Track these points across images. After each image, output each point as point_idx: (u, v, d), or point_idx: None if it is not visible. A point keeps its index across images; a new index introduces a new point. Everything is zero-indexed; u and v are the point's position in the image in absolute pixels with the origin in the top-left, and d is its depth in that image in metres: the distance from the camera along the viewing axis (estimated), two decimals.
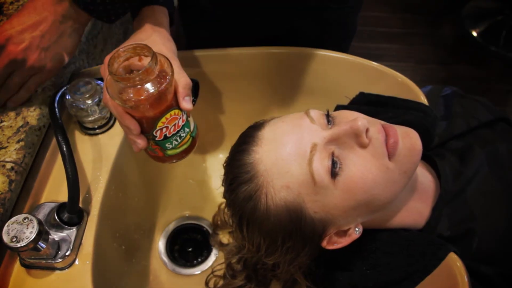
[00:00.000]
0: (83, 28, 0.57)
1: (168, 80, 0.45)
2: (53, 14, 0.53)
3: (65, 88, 0.62)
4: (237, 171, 0.48)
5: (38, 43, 0.53)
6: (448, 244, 0.47)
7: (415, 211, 0.52)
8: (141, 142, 0.49)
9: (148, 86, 0.44)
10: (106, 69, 0.44)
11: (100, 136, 0.65)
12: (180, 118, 0.50)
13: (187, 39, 0.95)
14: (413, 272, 0.47)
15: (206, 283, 0.69)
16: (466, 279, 0.45)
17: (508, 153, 0.58)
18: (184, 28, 0.93)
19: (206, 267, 0.75)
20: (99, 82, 0.62)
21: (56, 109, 0.59)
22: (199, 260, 0.76)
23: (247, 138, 0.49)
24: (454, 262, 0.46)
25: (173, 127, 0.49)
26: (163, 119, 0.48)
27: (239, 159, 0.48)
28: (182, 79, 0.49)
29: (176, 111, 0.49)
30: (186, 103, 0.48)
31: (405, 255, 0.49)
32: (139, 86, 0.43)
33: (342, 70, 0.73)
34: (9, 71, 0.55)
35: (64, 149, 0.54)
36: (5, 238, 0.45)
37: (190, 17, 0.89)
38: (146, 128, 0.48)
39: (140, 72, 0.42)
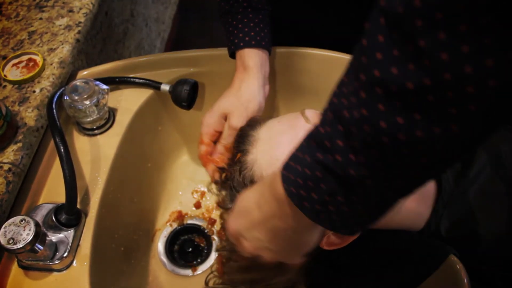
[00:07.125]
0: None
1: None
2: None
3: (63, 89, 0.62)
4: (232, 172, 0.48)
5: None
6: (448, 246, 0.47)
7: (415, 213, 0.52)
8: None
9: None
10: None
11: (98, 136, 0.65)
12: None
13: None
14: (413, 275, 0.47)
15: (206, 283, 0.69)
16: (466, 281, 0.45)
17: (511, 153, 0.57)
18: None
19: (206, 267, 0.75)
20: (97, 82, 0.62)
21: (54, 110, 0.59)
22: (199, 260, 0.76)
23: (242, 138, 0.49)
24: (454, 264, 0.46)
25: None
26: None
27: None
28: None
29: None
30: None
31: (404, 257, 0.48)
32: None
33: (342, 70, 0.72)
34: None
35: (62, 150, 0.54)
36: (2, 240, 0.45)
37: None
38: None
39: None
